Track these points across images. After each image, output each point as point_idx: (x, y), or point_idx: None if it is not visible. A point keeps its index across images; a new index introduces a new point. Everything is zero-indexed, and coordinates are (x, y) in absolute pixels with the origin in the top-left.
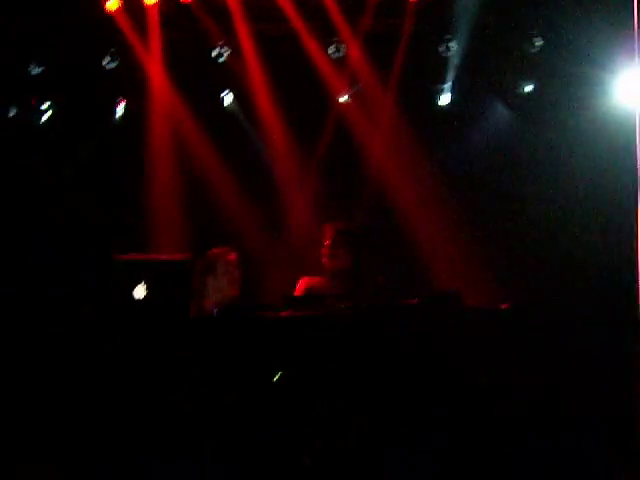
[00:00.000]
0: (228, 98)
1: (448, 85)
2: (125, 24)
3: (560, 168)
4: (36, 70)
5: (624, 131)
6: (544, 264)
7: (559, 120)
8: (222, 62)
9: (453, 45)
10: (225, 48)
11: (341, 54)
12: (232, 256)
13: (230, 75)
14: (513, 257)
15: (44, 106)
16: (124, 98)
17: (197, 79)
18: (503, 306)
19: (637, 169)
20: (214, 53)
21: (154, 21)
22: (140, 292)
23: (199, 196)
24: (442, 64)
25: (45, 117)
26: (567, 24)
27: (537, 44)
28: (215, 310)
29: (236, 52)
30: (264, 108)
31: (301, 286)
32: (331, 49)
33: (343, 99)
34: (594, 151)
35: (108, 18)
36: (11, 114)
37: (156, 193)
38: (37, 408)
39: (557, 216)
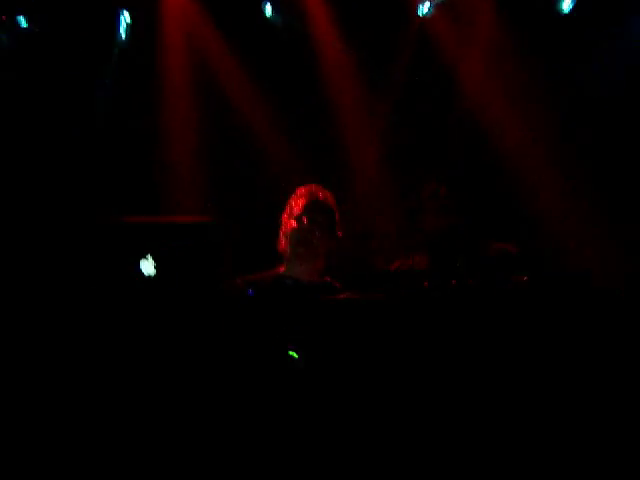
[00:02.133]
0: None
1: None
2: None
3: None
4: None
5: None
6: None
7: None
8: None
9: None
10: None
11: None
12: (301, 200)
13: None
14: None
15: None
16: (127, 8)
17: None
18: None
19: None
20: None
21: None
22: (149, 267)
23: (230, 146)
24: None
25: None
26: None
27: None
28: (248, 289)
29: None
30: (319, 23)
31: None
32: None
33: (425, 11)
34: None
35: None
36: None
37: (173, 140)
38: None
39: None
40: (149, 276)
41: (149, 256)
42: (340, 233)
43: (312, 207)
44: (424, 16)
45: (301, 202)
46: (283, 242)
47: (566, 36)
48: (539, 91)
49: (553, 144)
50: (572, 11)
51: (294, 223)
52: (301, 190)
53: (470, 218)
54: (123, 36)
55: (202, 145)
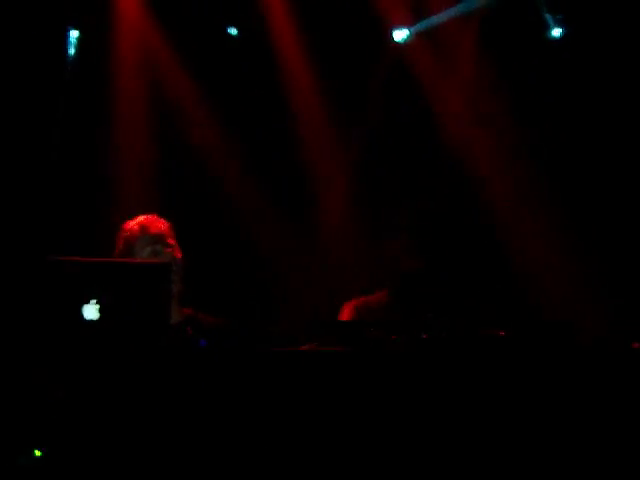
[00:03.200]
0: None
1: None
2: None
3: None
4: None
5: None
6: None
7: None
8: None
9: None
10: None
11: None
12: (142, 232)
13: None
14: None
15: None
16: (77, 26)
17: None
18: (634, 345)
19: None
20: None
21: None
22: (92, 311)
23: (187, 177)
24: None
25: None
26: None
27: None
28: (201, 340)
29: None
30: (286, 46)
31: (348, 310)
32: None
33: (402, 37)
34: None
35: None
36: None
37: (124, 170)
38: None
39: None
40: (92, 321)
41: (93, 300)
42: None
43: (160, 236)
44: (401, 43)
45: (144, 233)
46: None
47: (555, 64)
48: (524, 122)
49: (540, 180)
50: (563, 38)
51: (143, 256)
52: (132, 224)
53: (445, 266)
54: (72, 52)
55: (156, 178)
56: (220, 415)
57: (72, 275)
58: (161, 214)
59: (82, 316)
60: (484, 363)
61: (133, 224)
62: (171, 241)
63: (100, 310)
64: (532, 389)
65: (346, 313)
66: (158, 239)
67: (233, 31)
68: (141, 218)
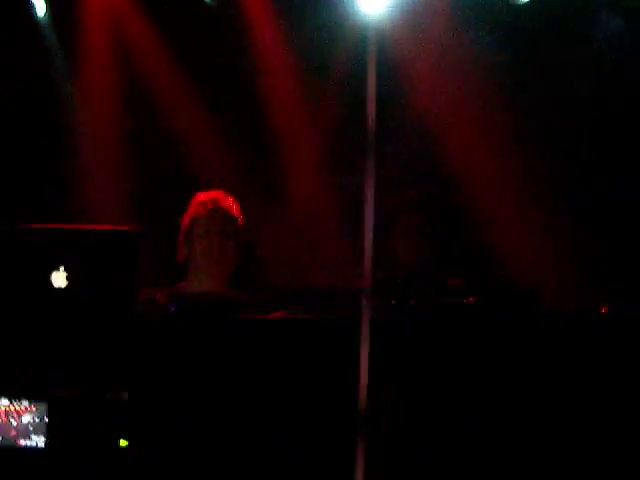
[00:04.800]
0: None
1: None
2: None
3: None
4: None
5: None
6: None
7: None
8: None
9: None
10: None
11: None
12: (203, 207)
13: None
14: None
15: None
16: None
17: None
18: (602, 310)
19: None
20: None
21: None
22: (60, 279)
23: (154, 138)
24: None
25: None
26: None
27: None
28: (170, 305)
29: None
30: (257, 14)
31: None
32: None
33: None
34: None
35: None
36: None
37: (88, 133)
38: None
39: None
40: (60, 288)
41: (61, 267)
42: (244, 241)
43: (216, 215)
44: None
45: (204, 209)
46: (184, 252)
47: (524, 31)
48: (495, 96)
49: (506, 150)
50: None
51: (198, 233)
52: (202, 196)
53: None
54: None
55: (124, 144)
56: (189, 382)
57: (39, 242)
58: (129, 177)
59: (51, 284)
60: (454, 328)
61: (203, 196)
62: (228, 225)
63: (68, 277)
64: (501, 356)
65: None
66: (215, 217)
67: None
68: (212, 193)
